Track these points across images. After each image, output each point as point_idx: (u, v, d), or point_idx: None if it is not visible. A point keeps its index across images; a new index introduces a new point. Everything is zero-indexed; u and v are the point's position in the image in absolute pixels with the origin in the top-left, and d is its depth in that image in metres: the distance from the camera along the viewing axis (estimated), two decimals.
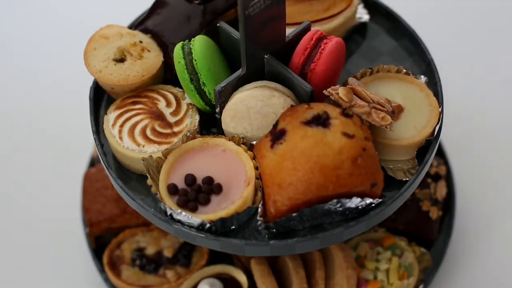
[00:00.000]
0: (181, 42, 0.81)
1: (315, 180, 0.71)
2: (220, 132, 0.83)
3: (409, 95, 0.81)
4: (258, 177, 0.74)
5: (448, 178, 1.02)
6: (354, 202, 0.73)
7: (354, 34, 0.92)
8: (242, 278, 0.91)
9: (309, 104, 0.75)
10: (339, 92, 0.75)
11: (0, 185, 1.09)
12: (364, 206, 0.75)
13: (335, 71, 0.80)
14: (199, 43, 0.80)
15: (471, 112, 1.13)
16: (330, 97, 0.75)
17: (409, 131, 0.79)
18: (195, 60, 0.79)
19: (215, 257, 0.96)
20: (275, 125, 0.75)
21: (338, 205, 0.73)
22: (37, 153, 1.11)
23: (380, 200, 0.75)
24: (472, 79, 1.16)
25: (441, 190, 0.98)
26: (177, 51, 0.80)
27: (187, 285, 0.92)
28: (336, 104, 0.75)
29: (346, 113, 0.74)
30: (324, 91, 0.76)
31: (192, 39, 0.81)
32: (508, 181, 1.06)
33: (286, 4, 0.76)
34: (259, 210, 0.74)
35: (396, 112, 0.79)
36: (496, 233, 1.02)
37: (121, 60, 0.83)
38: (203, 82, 0.80)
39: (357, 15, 0.92)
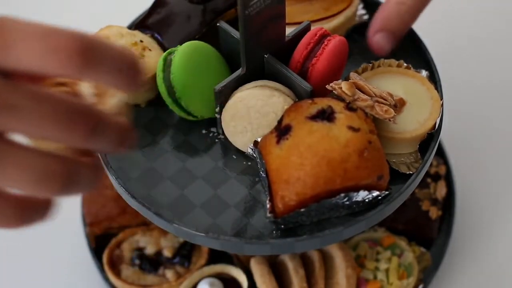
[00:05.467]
0: (168, 50, 0.81)
1: (322, 174, 0.71)
2: (219, 131, 0.83)
3: (411, 89, 0.81)
4: (265, 173, 0.75)
5: (448, 178, 1.02)
6: (361, 195, 0.74)
7: (354, 34, 0.92)
8: (242, 277, 0.91)
9: (313, 99, 0.75)
10: (342, 86, 0.75)
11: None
12: (371, 199, 0.75)
13: (336, 70, 0.80)
14: (180, 55, 0.79)
15: (471, 111, 1.13)
16: (333, 91, 0.75)
17: (411, 124, 0.79)
18: (172, 74, 0.79)
19: (215, 257, 0.96)
20: (279, 121, 0.75)
21: (346, 199, 0.73)
22: None
23: (386, 192, 0.75)
24: (472, 79, 1.16)
25: (440, 190, 0.98)
26: (160, 61, 0.80)
27: (187, 285, 0.92)
28: (339, 98, 0.76)
29: (350, 107, 0.74)
30: (327, 86, 0.76)
31: (179, 46, 0.81)
32: (509, 181, 1.06)
33: (286, 3, 0.77)
34: (268, 206, 0.74)
35: (398, 105, 0.79)
36: (496, 233, 1.02)
37: None
38: (179, 96, 0.80)
39: (357, 15, 0.92)
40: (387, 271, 0.92)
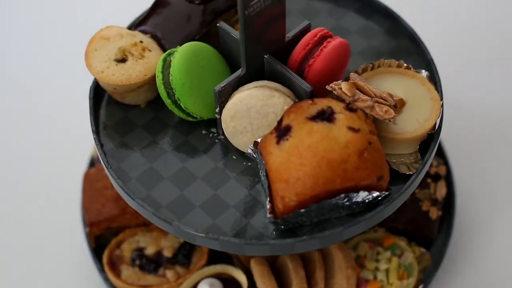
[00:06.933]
0: (168, 51, 0.81)
1: (322, 174, 0.71)
2: (219, 132, 0.83)
3: (411, 89, 0.81)
4: (265, 174, 0.75)
5: (448, 178, 1.02)
6: (361, 196, 0.74)
7: (354, 34, 0.92)
8: (242, 278, 0.91)
9: (313, 100, 0.75)
10: (342, 87, 0.75)
11: (0, 185, 1.09)
12: (371, 199, 0.75)
13: (334, 72, 0.80)
14: (179, 56, 0.80)
15: (471, 112, 1.13)
16: (333, 92, 0.75)
17: (411, 124, 0.79)
18: (171, 75, 0.79)
19: (215, 257, 0.96)
20: (279, 122, 0.75)
21: (346, 200, 0.73)
22: (37, 153, 1.11)
23: (386, 193, 0.75)
24: (472, 79, 1.16)
25: (441, 190, 0.98)
26: (159, 62, 0.81)
27: (187, 285, 0.92)
28: (339, 99, 0.76)
29: (350, 108, 0.74)
30: (327, 86, 0.76)
31: (179, 47, 0.81)
32: (508, 181, 1.06)
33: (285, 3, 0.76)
34: (268, 206, 0.74)
35: (398, 106, 0.79)
36: (495, 233, 1.02)
37: (122, 60, 0.83)
38: (178, 98, 0.80)
39: None
40: (387, 271, 0.92)
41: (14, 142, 1.13)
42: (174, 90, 0.80)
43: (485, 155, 1.09)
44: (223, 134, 0.83)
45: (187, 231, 0.76)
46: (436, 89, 0.84)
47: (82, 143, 1.10)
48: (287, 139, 0.73)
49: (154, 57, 0.84)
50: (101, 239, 0.99)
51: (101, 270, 0.96)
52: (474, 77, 1.17)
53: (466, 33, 1.22)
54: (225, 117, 0.79)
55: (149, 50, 0.84)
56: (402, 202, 0.79)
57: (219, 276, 0.92)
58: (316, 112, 0.74)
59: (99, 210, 0.97)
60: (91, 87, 0.87)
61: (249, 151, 0.78)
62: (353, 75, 0.79)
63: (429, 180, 0.98)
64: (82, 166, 1.09)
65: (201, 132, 0.84)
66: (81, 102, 1.05)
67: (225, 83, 0.79)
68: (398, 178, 0.78)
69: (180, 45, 0.83)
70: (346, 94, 0.75)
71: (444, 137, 1.08)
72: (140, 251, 0.96)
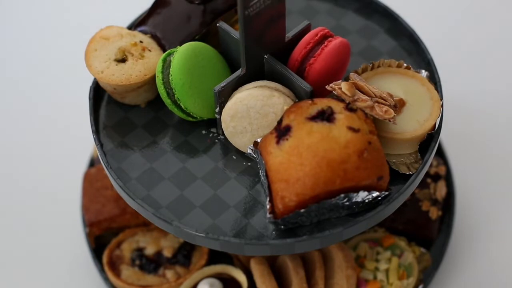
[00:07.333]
0: (168, 51, 0.82)
1: (322, 174, 0.72)
2: (219, 132, 0.83)
3: (411, 89, 0.81)
4: (265, 174, 0.75)
5: (448, 178, 1.02)
6: (361, 196, 0.74)
7: (354, 34, 0.92)
8: (241, 278, 0.91)
9: (313, 100, 0.75)
10: (342, 87, 0.75)
11: (0, 185, 1.09)
12: (370, 199, 0.75)
13: (335, 71, 0.80)
14: (179, 56, 0.80)
15: (471, 112, 1.13)
16: (333, 92, 0.76)
17: (411, 124, 0.79)
18: (171, 75, 0.79)
19: (215, 257, 0.96)
20: (279, 122, 0.75)
21: (345, 200, 0.73)
22: (37, 153, 1.11)
23: (386, 193, 0.75)
24: (472, 79, 1.16)
25: (440, 190, 0.98)
26: (159, 62, 0.81)
27: (187, 285, 0.92)
28: (339, 99, 0.76)
29: (350, 108, 0.74)
30: (327, 86, 0.76)
31: (179, 47, 0.81)
32: (508, 181, 1.06)
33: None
34: (268, 207, 0.74)
35: (398, 106, 0.79)
36: (496, 233, 1.02)
37: (122, 60, 0.83)
38: (178, 98, 0.80)
39: None
40: (387, 271, 0.92)
41: (14, 142, 1.13)
42: (174, 90, 0.80)
43: (485, 155, 1.09)
44: (223, 134, 0.83)
45: (187, 231, 0.76)
46: (436, 89, 0.84)
47: (82, 143, 1.10)
48: (287, 139, 0.73)
49: (154, 57, 0.84)
50: (101, 239, 0.99)
51: (101, 270, 0.96)
52: (474, 77, 1.17)
53: (466, 33, 1.22)
54: (225, 117, 0.79)
55: (149, 50, 0.84)
56: (402, 202, 0.79)
57: (219, 276, 0.92)
58: (316, 112, 0.74)
59: (99, 210, 0.97)
60: (91, 87, 0.87)
61: (249, 151, 0.78)
62: (353, 75, 0.79)
63: (429, 180, 0.98)
64: (82, 166, 1.09)
65: (201, 132, 0.85)
66: (81, 102, 1.05)
67: (225, 83, 0.79)
68: (398, 178, 0.79)
69: (180, 45, 0.83)
70: (346, 94, 0.75)
71: (444, 137, 1.08)
72: (140, 251, 0.96)
